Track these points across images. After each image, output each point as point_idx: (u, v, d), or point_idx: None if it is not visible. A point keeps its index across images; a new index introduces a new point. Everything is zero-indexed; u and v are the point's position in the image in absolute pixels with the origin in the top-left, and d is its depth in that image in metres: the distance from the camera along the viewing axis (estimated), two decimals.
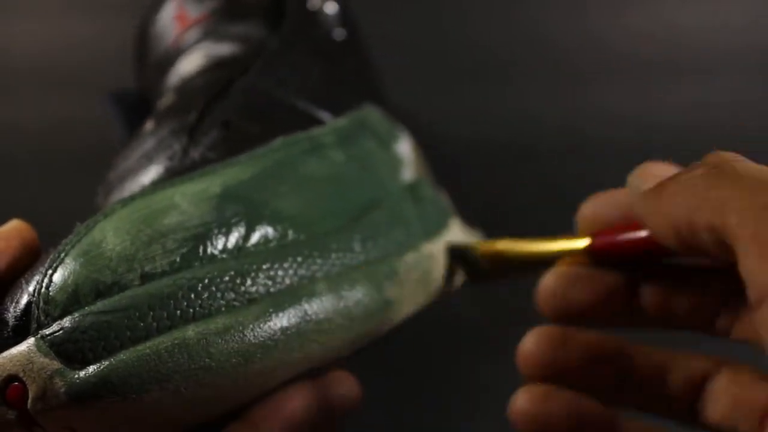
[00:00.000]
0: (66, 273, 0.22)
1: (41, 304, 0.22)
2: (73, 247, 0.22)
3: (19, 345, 0.22)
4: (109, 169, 0.28)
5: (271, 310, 0.23)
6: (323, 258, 0.25)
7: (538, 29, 0.51)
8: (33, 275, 0.22)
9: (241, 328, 0.22)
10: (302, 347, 0.24)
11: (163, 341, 0.21)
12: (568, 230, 0.42)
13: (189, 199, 0.24)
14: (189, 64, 0.32)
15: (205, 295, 0.22)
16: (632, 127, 0.47)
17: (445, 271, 0.29)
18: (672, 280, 0.25)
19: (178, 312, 0.22)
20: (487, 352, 0.39)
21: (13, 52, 0.52)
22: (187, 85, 0.31)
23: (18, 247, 0.24)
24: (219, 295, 0.22)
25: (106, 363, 0.21)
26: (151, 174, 0.26)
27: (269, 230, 0.24)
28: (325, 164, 0.27)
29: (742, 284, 0.24)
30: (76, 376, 0.21)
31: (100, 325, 0.21)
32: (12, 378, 0.21)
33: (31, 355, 0.21)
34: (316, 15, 0.33)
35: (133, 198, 0.24)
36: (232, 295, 0.23)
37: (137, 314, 0.22)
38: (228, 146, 0.26)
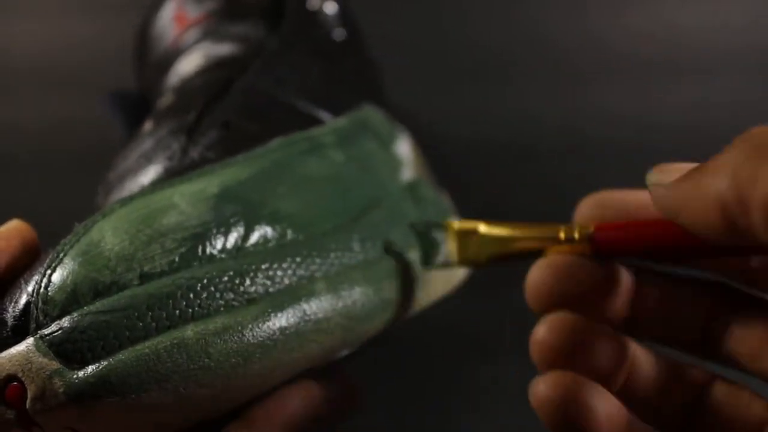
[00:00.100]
0: (65, 273, 0.22)
1: (40, 304, 0.22)
2: (71, 247, 0.22)
3: (18, 345, 0.22)
4: (109, 169, 0.28)
5: (270, 310, 0.23)
6: (322, 258, 0.25)
7: (538, 29, 0.51)
8: (32, 275, 0.22)
9: (240, 328, 0.22)
10: (301, 347, 0.24)
11: (162, 341, 0.22)
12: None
13: (187, 199, 0.24)
14: (188, 64, 0.32)
15: (204, 295, 0.22)
16: (632, 127, 0.47)
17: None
18: (664, 289, 0.25)
19: (177, 312, 0.22)
20: (488, 354, 0.39)
21: (13, 52, 0.51)
22: (186, 86, 0.31)
23: (18, 246, 0.24)
24: (218, 295, 0.22)
25: (105, 363, 0.21)
26: (150, 174, 0.26)
27: (268, 230, 0.24)
28: (325, 164, 0.27)
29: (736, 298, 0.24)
30: (75, 376, 0.21)
31: (98, 325, 0.21)
32: (11, 378, 0.21)
33: (30, 355, 0.21)
34: (316, 15, 0.33)
35: (131, 198, 0.24)
36: (231, 295, 0.23)
37: (136, 314, 0.22)
38: (227, 146, 0.26)
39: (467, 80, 0.50)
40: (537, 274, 0.24)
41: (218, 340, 0.22)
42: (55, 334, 0.21)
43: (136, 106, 0.35)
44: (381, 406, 0.35)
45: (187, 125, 0.27)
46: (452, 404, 0.37)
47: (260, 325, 0.23)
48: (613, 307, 0.25)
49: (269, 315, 0.23)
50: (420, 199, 0.30)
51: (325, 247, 0.25)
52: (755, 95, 0.48)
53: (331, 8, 0.34)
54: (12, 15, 0.52)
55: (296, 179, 0.26)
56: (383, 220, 0.27)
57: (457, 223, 0.26)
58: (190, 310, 0.22)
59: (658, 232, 0.23)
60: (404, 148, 0.32)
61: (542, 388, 0.22)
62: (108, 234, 0.23)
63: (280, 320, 0.23)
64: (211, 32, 0.33)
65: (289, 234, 0.25)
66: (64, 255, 0.22)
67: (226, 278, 0.23)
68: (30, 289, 0.22)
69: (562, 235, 0.25)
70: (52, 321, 0.22)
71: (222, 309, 0.23)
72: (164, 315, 0.22)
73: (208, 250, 0.23)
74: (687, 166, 0.22)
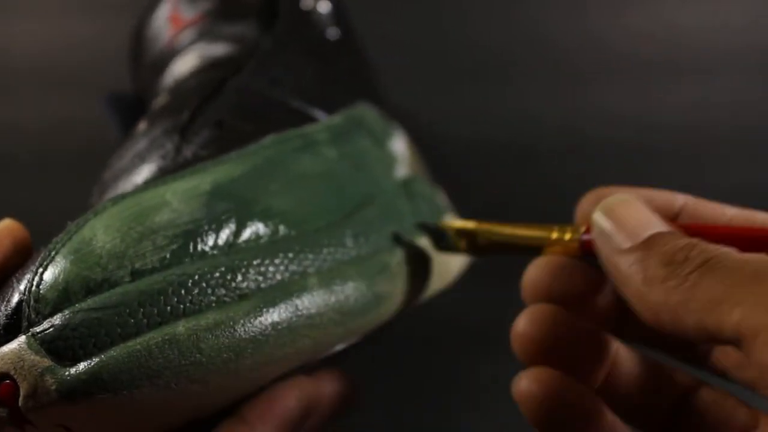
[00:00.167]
0: (56, 271, 0.22)
1: (32, 302, 0.22)
2: (63, 245, 0.23)
3: (10, 343, 0.22)
4: (104, 169, 0.28)
5: (261, 305, 0.23)
6: (315, 254, 0.25)
7: (538, 29, 0.51)
8: (24, 274, 0.22)
9: (231, 323, 0.22)
10: (294, 342, 0.24)
11: (154, 337, 0.22)
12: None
13: (179, 197, 0.24)
14: (183, 65, 0.32)
15: (196, 291, 0.22)
16: (632, 127, 0.47)
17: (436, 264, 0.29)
18: None
19: (169, 308, 0.22)
20: (487, 352, 0.39)
21: (13, 52, 0.51)
22: (181, 86, 0.31)
23: (9, 246, 0.24)
24: (209, 291, 0.23)
25: (97, 360, 0.21)
26: (144, 173, 0.26)
27: (260, 227, 0.24)
28: (318, 161, 0.27)
29: None
30: (67, 373, 0.21)
31: (90, 322, 0.21)
32: (3, 376, 0.21)
33: (22, 352, 0.21)
34: (310, 14, 0.33)
35: (123, 196, 0.24)
36: (223, 291, 0.23)
37: (127, 311, 0.22)
38: (220, 145, 0.26)
39: (467, 80, 0.50)
40: (532, 273, 0.25)
41: (210, 336, 0.22)
42: (47, 331, 0.21)
43: (132, 108, 0.36)
44: (378, 403, 0.35)
45: (181, 125, 0.27)
46: (450, 401, 0.37)
47: (252, 320, 0.23)
48: (603, 307, 0.25)
49: (261, 310, 0.23)
50: (414, 195, 0.30)
51: (317, 243, 0.25)
52: (755, 95, 0.47)
53: (324, 7, 0.34)
54: (12, 15, 0.52)
55: (289, 176, 0.26)
56: (377, 216, 0.27)
57: (455, 225, 0.28)
58: (182, 307, 0.22)
59: None
60: (399, 145, 0.32)
61: (524, 383, 0.23)
62: (99, 232, 0.23)
63: (272, 315, 0.23)
64: (206, 33, 0.33)
65: (282, 230, 0.25)
66: (56, 253, 0.22)
67: (217, 274, 0.23)
68: (22, 287, 0.22)
69: (554, 235, 0.25)
70: (44, 319, 0.22)
71: (213, 305, 0.23)
72: (155, 311, 0.22)
73: (199, 246, 0.23)
74: (627, 200, 0.22)
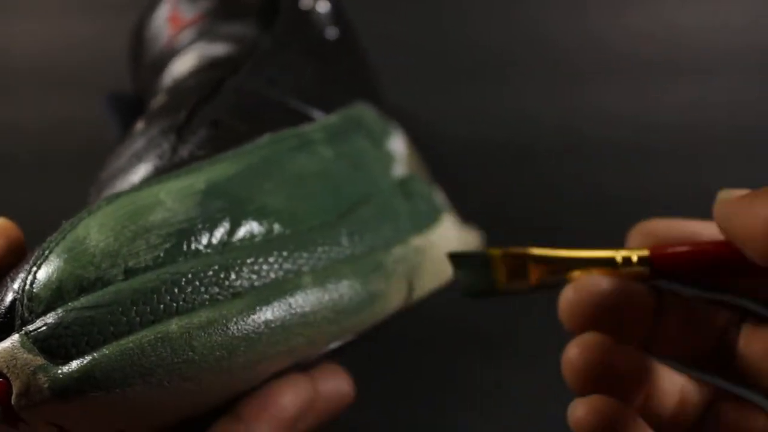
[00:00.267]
0: (50, 270, 0.22)
1: (25, 300, 0.22)
2: (57, 244, 0.23)
3: (3, 342, 0.22)
4: (101, 169, 0.28)
5: (255, 303, 0.23)
6: (309, 252, 0.25)
7: (538, 29, 0.51)
8: (18, 273, 0.22)
9: (224, 321, 0.22)
10: (287, 340, 0.24)
11: (146, 335, 0.22)
12: (567, 229, 0.42)
13: (174, 196, 0.24)
14: (182, 65, 0.32)
15: (189, 290, 0.22)
16: (630, 127, 0.47)
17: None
18: (685, 309, 0.25)
19: (162, 306, 0.22)
20: (484, 353, 0.39)
21: (13, 52, 0.52)
22: (180, 86, 0.31)
23: (3, 245, 0.24)
24: (203, 289, 0.23)
25: (89, 358, 0.21)
26: (140, 173, 0.26)
27: (254, 225, 0.24)
28: (314, 160, 0.27)
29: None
30: (60, 371, 0.21)
31: (83, 320, 0.21)
32: None
33: (15, 351, 0.21)
34: (309, 14, 0.33)
35: (117, 195, 0.24)
36: (216, 290, 0.23)
37: (120, 309, 0.22)
38: (217, 145, 0.27)
39: (465, 80, 0.50)
40: (571, 295, 0.25)
41: (202, 334, 0.22)
42: (40, 329, 0.21)
43: (132, 108, 0.36)
44: (375, 402, 0.35)
45: (178, 124, 0.27)
46: (446, 401, 0.37)
47: (245, 318, 0.23)
48: (641, 326, 0.25)
49: (254, 309, 0.23)
50: (412, 194, 0.30)
51: (312, 241, 0.25)
52: (754, 95, 0.47)
53: (323, 7, 0.34)
54: (12, 15, 0.53)
55: (284, 175, 0.26)
56: (372, 215, 0.27)
57: (502, 250, 0.26)
58: (175, 305, 0.22)
59: (711, 255, 0.24)
60: (397, 144, 0.32)
61: (580, 411, 0.23)
62: (93, 231, 0.23)
63: (266, 313, 0.23)
64: (205, 33, 0.33)
65: (276, 229, 0.25)
66: (50, 252, 0.22)
67: (211, 273, 0.23)
68: (15, 286, 0.22)
69: (619, 258, 0.25)
70: (37, 317, 0.22)
71: (207, 303, 0.23)
72: (148, 309, 0.22)
73: (193, 245, 0.23)
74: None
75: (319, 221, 0.26)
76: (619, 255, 0.25)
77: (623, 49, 0.50)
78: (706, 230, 0.25)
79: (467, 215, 0.34)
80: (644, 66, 0.49)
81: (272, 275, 0.24)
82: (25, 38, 0.52)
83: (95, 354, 0.21)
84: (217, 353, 0.22)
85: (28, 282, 0.22)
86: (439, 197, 0.32)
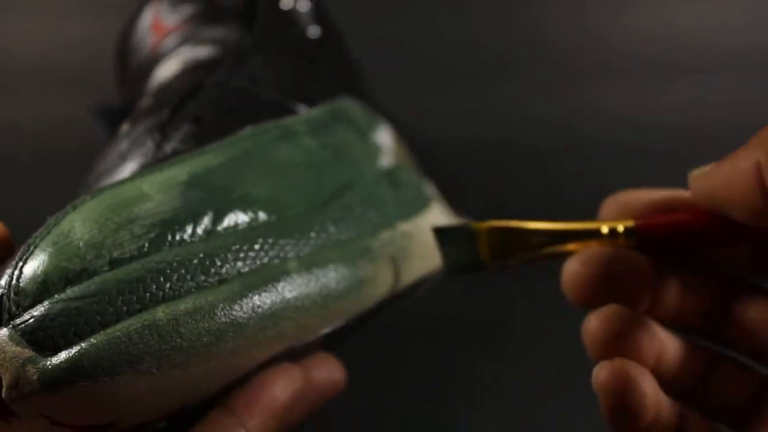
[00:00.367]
0: (36, 264, 0.22)
1: (12, 295, 0.22)
2: (42, 239, 0.23)
3: None
4: (89, 172, 0.28)
5: (241, 289, 0.23)
6: (295, 238, 0.25)
7: (538, 29, 0.51)
8: (5, 269, 0.22)
9: (211, 307, 0.22)
10: (275, 325, 0.24)
11: (133, 323, 0.22)
12: None
13: (157, 188, 0.24)
14: (167, 69, 0.33)
15: (174, 278, 0.22)
16: (630, 126, 0.47)
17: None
18: (682, 277, 0.26)
19: (148, 295, 0.22)
20: (482, 346, 0.39)
21: (13, 52, 0.52)
22: (164, 89, 0.31)
23: None
24: (188, 276, 0.23)
25: (77, 348, 0.21)
26: (126, 172, 0.26)
27: (238, 214, 0.25)
28: (297, 151, 0.28)
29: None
30: (48, 362, 0.21)
31: (69, 311, 0.21)
32: None
33: (3, 344, 0.21)
34: (290, 13, 0.33)
35: (101, 190, 0.24)
36: (202, 277, 0.23)
37: (106, 299, 0.22)
38: (200, 140, 0.27)
39: (466, 80, 0.50)
40: (577, 268, 0.25)
41: (189, 320, 0.22)
42: (27, 322, 0.21)
43: (122, 119, 0.36)
44: (370, 397, 0.35)
45: (161, 122, 0.27)
46: (447, 396, 0.37)
47: (232, 304, 0.23)
48: (644, 295, 0.25)
49: (241, 294, 0.23)
50: (399, 184, 0.30)
51: (297, 228, 0.25)
52: (754, 95, 0.47)
53: (304, 6, 0.34)
54: (12, 15, 0.53)
55: (268, 165, 0.26)
56: (358, 202, 0.27)
57: (488, 223, 0.25)
58: (161, 293, 0.22)
59: (695, 223, 0.24)
60: (384, 137, 0.32)
61: (603, 374, 0.23)
62: (78, 224, 0.23)
63: (253, 299, 0.23)
64: (188, 38, 0.33)
65: (261, 217, 0.25)
66: (35, 247, 0.22)
67: (196, 260, 0.23)
68: (2, 282, 0.22)
69: (605, 229, 0.25)
70: (24, 311, 0.22)
71: (193, 290, 0.23)
72: (134, 298, 0.22)
73: (177, 234, 0.23)
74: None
75: (303, 208, 0.26)
76: (605, 227, 0.25)
77: (623, 49, 0.50)
78: (681, 195, 0.25)
79: (468, 214, 0.34)
80: (644, 66, 0.49)
81: (258, 261, 0.24)
82: (25, 38, 0.52)
83: (83, 344, 0.21)
84: (205, 339, 0.22)
85: (15, 277, 0.22)
86: (429, 187, 0.32)
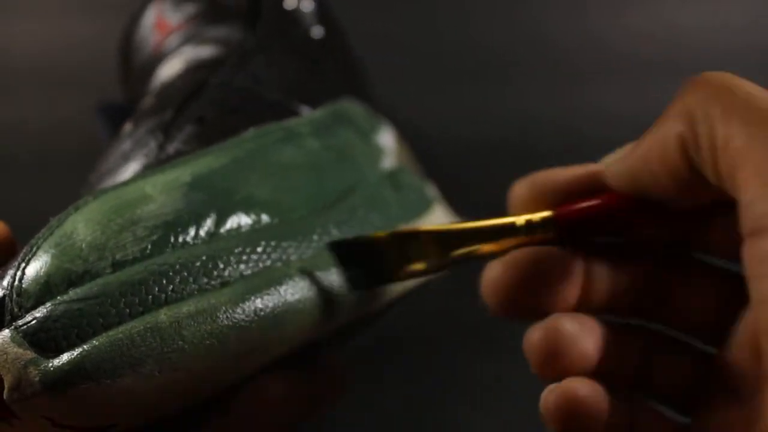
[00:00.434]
0: (38, 265, 0.22)
1: (14, 296, 0.22)
2: (45, 240, 0.23)
3: None
4: (91, 172, 0.28)
5: (244, 291, 0.23)
6: (297, 241, 0.25)
7: (538, 29, 0.51)
8: (7, 270, 0.22)
9: (213, 310, 0.22)
10: (277, 328, 0.24)
11: (136, 326, 0.22)
12: None
13: (159, 189, 0.24)
14: (170, 69, 0.33)
15: (177, 280, 0.22)
16: (630, 127, 0.47)
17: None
18: (611, 263, 0.24)
19: (150, 297, 0.22)
20: (482, 346, 0.39)
21: (13, 52, 0.52)
22: (167, 89, 0.31)
23: None
24: (191, 279, 0.23)
25: (79, 350, 0.21)
26: (128, 172, 0.26)
27: (241, 216, 0.25)
28: (300, 152, 0.28)
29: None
30: (50, 364, 0.21)
31: (72, 313, 0.21)
32: None
33: (6, 346, 0.21)
34: (293, 13, 0.33)
35: (104, 191, 0.24)
36: (205, 279, 0.23)
37: (109, 301, 0.22)
38: (203, 140, 0.27)
39: (467, 80, 0.50)
40: (498, 273, 0.23)
41: (192, 323, 0.22)
42: (29, 324, 0.21)
43: (124, 117, 0.36)
44: (361, 391, 0.35)
45: (164, 123, 0.27)
46: (447, 396, 0.37)
47: (234, 306, 0.23)
48: (571, 289, 0.24)
49: (243, 297, 0.23)
50: (401, 186, 0.30)
51: (300, 231, 0.25)
52: None
53: (307, 6, 0.34)
54: (12, 15, 0.53)
55: (271, 167, 0.26)
56: (360, 205, 0.28)
57: (388, 232, 0.24)
58: (163, 295, 0.22)
59: (613, 206, 0.23)
60: (386, 138, 0.32)
61: (552, 399, 0.23)
62: (80, 225, 0.23)
63: (255, 302, 0.23)
64: (191, 37, 0.33)
65: (264, 219, 0.25)
66: (38, 248, 0.23)
67: (198, 263, 0.23)
68: (5, 283, 0.22)
69: (521, 222, 0.23)
70: (27, 312, 0.22)
71: (195, 292, 0.23)
72: (137, 300, 0.22)
73: (180, 236, 0.23)
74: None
75: (306, 211, 0.26)
76: (520, 219, 0.23)
77: (623, 49, 0.50)
78: (598, 170, 0.24)
79: (469, 215, 0.34)
80: (644, 66, 0.49)
81: (260, 264, 0.24)
82: (25, 38, 0.52)
83: (85, 346, 0.21)
84: (207, 342, 0.22)
85: (17, 278, 0.22)
86: (431, 189, 0.32)
